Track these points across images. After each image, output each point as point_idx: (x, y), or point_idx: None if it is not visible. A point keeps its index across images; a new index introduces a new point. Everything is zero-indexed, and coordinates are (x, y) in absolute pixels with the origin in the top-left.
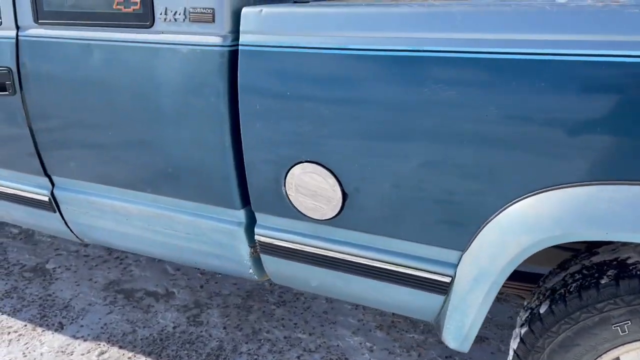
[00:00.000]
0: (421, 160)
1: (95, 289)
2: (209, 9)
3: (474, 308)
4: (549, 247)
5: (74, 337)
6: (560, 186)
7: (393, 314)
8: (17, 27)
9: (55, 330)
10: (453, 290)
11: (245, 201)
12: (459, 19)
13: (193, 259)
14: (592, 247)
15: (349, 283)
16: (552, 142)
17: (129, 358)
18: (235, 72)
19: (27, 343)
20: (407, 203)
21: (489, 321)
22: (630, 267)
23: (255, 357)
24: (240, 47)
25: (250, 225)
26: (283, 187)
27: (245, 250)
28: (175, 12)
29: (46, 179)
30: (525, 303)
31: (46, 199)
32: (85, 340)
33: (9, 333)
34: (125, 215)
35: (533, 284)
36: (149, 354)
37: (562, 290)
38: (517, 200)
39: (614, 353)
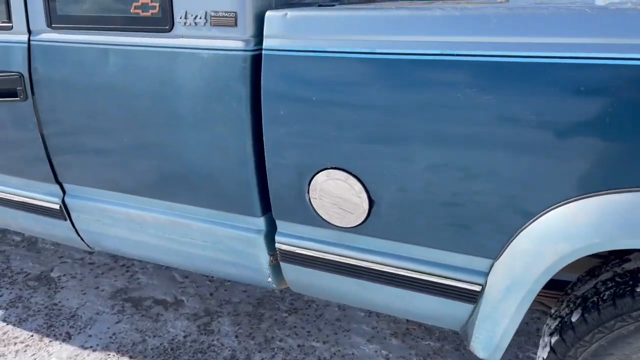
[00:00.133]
0: (453, 166)
1: (102, 298)
2: (231, 12)
3: (506, 317)
4: None
5: (83, 347)
6: (601, 193)
7: (407, 320)
8: (29, 32)
9: (63, 341)
10: (483, 299)
11: (265, 208)
12: (494, 22)
13: (209, 267)
14: (620, 253)
15: (373, 292)
16: (593, 147)
17: None
18: (257, 77)
19: (34, 354)
20: (438, 210)
21: None
22: None
23: None
24: (263, 52)
25: (270, 232)
26: (306, 194)
27: (264, 258)
28: (196, 16)
29: (57, 187)
30: (553, 311)
31: (57, 206)
32: (94, 351)
33: (15, 344)
34: (139, 223)
35: (557, 291)
36: None
37: (595, 298)
38: (554, 207)
39: None
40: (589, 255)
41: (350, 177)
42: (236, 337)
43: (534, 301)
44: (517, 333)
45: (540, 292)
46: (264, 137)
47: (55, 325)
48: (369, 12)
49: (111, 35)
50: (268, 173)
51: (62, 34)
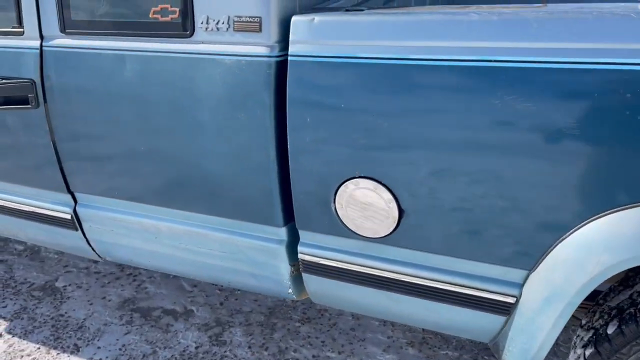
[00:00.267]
0: (490, 175)
1: (110, 308)
2: (255, 17)
3: (543, 330)
4: None
5: (91, 359)
6: None
7: (423, 329)
8: (42, 37)
9: (71, 353)
10: (518, 311)
11: (288, 218)
12: (535, 27)
13: (226, 278)
14: None
15: (399, 303)
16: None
17: None
18: (282, 83)
19: None
20: (471, 220)
21: None
22: None
23: None
24: (289, 58)
25: (292, 243)
26: (332, 204)
27: (285, 269)
28: (218, 21)
29: (69, 196)
30: (584, 322)
31: (68, 216)
32: None
33: (22, 357)
34: (154, 233)
35: (585, 301)
36: None
37: (632, 310)
38: (597, 216)
39: None
40: None
41: (380, 186)
42: (249, 347)
43: None
44: None
45: None
46: (288, 146)
47: (63, 337)
48: (401, 17)
49: (128, 41)
50: (292, 182)
51: (76, 39)
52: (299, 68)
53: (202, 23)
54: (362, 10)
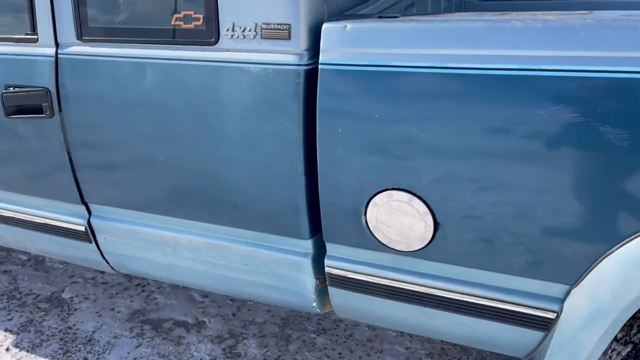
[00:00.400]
0: (530, 187)
1: (119, 320)
2: (284, 25)
3: (586, 348)
4: None
5: None
6: None
7: (442, 340)
8: (57, 45)
9: None
10: (558, 327)
11: (314, 230)
12: (581, 35)
13: (246, 291)
14: None
15: (430, 318)
16: None
17: None
18: (311, 92)
19: None
20: (510, 233)
21: None
22: None
23: None
24: (320, 66)
25: (318, 256)
26: (363, 216)
27: (310, 282)
28: (245, 29)
29: (83, 207)
30: (620, 335)
31: (82, 228)
32: None
33: None
34: (173, 245)
35: None
36: None
37: None
38: None
39: None
40: None
41: (415, 198)
42: None
43: None
44: None
45: None
46: (318, 156)
47: (72, 350)
48: (439, 24)
49: (149, 49)
50: (320, 194)
51: (93, 47)
52: (330, 77)
53: (227, 30)
54: (396, 17)
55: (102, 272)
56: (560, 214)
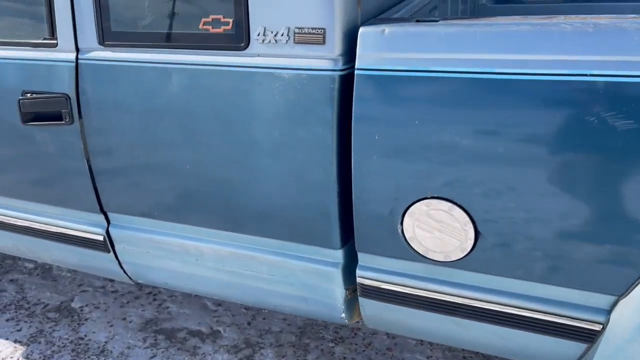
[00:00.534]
0: (578, 195)
1: (132, 330)
2: (319, 29)
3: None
4: None
5: None
6: None
7: (463, 349)
8: (77, 50)
9: None
10: (604, 339)
11: (345, 240)
12: (635, 39)
13: (272, 302)
14: None
15: (466, 329)
16: None
17: None
18: (345, 98)
19: None
20: (555, 242)
21: None
22: None
23: None
24: (356, 72)
25: (349, 265)
26: (399, 226)
27: (340, 293)
28: (277, 33)
29: (101, 216)
30: None
31: (100, 237)
32: None
33: None
34: (195, 255)
35: None
36: None
37: None
38: None
39: None
40: None
41: (456, 207)
42: None
43: None
44: None
45: None
46: (352, 164)
47: None
48: (483, 28)
49: (175, 54)
50: (354, 203)
51: (116, 52)
52: (367, 82)
53: (258, 35)
54: (436, 21)
55: (111, 281)
56: (608, 223)
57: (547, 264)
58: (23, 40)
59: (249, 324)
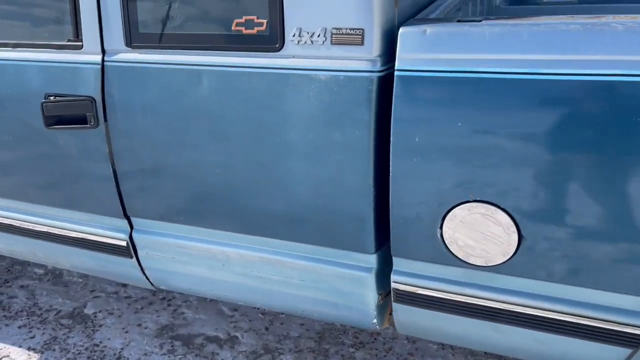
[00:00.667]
0: (624, 198)
1: (148, 336)
2: (357, 29)
3: None
4: None
5: None
6: None
7: (486, 353)
8: (103, 52)
9: None
10: None
11: (379, 244)
12: None
13: (301, 307)
14: None
15: (505, 335)
16: None
17: None
18: (384, 100)
19: None
20: (601, 246)
21: None
22: None
23: None
24: (396, 73)
25: (382, 270)
26: (438, 230)
27: (373, 298)
28: (313, 34)
29: (125, 221)
30: None
31: (123, 243)
32: None
33: None
34: (222, 260)
35: None
36: None
37: None
38: None
39: None
40: None
41: (499, 211)
42: None
43: None
44: None
45: None
46: (391, 167)
47: None
48: (530, 28)
49: (205, 55)
50: (392, 206)
51: (144, 54)
52: (407, 84)
53: (293, 36)
54: (479, 20)
55: (124, 286)
56: None
57: (592, 269)
58: (46, 42)
59: (266, 329)
